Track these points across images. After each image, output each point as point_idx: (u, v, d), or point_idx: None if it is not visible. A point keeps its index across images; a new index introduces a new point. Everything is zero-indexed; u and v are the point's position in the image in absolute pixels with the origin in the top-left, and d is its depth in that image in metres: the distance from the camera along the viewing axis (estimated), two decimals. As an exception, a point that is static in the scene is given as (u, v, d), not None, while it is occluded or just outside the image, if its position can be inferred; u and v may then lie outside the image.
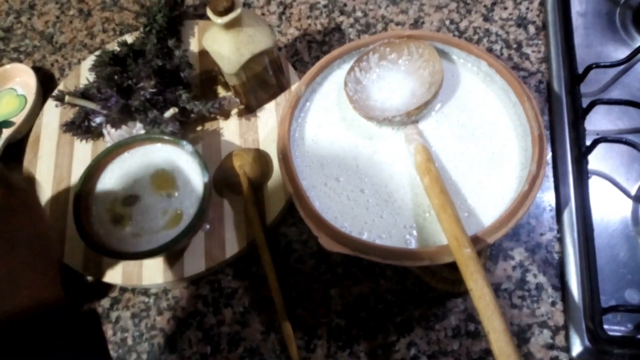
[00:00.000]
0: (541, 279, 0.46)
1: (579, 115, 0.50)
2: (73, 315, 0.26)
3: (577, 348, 0.42)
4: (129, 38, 0.60)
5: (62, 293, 0.28)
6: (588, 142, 0.48)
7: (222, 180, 0.51)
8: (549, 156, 0.51)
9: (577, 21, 0.56)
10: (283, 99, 0.56)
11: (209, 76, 0.58)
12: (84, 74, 0.60)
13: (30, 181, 0.30)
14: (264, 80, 0.53)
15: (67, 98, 0.52)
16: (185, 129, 0.55)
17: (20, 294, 0.25)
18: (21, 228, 0.28)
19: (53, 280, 0.28)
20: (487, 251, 0.47)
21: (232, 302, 0.48)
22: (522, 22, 0.59)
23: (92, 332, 0.27)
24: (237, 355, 0.46)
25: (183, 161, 0.48)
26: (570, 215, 0.47)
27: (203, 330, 0.48)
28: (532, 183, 0.40)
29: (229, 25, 0.46)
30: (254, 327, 0.47)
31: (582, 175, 0.48)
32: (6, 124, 0.59)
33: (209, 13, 0.45)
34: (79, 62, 0.65)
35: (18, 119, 0.59)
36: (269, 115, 0.55)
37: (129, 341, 0.48)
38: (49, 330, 0.24)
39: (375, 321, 0.46)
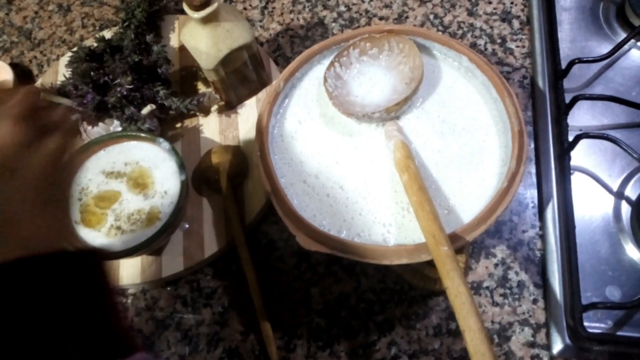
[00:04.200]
0: (523, 276, 0.46)
1: (561, 110, 0.49)
2: (66, 258, 0.24)
3: (557, 346, 0.42)
4: (107, 34, 0.58)
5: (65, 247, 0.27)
6: (571, 138, 0.48)
7: (201, 178, 0.50)
8: (531, 152, 0.50)
9: (561, 16, 0.56)
10: (264, 95, 0.55)
11: (189, 72, 0.57)
12: (62, 70, 0.59)
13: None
14: (244, 76, 0.52)
15: (42, 95, 0.51)
16: (164, 126, 0.54)
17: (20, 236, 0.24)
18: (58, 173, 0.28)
19: (60, 232, 0.27)
20: (469, 249, 0.47)
21: (211, 302, 0.48)
22: (506, 17, 0.58)
23: (89, 274, 0.25)
24: (215, 356, 0.45)
25: (160, 159, 0.47)
26: (552, 212, 0.47)
27: (182, 331, 0.47)
28: (512, 180, 0.39)
29: (206, 20, 0.45)
30: (233, 327, 0.46)
31: (564, 171, 0.47)
32: (-18, 121, 0.58)
33: (185, 7, 0.44)
34: (57, 58, 0.64)
35: (-6, 117, 0.58)
36: (250, 112, 0.54)
37: (107, 342, 0.47)
38: (39, 279, 0.23)
39: (356, 320, 0.45)
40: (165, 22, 0.61)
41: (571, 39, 0.55)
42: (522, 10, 0.58)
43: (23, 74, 0.64)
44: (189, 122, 0.54)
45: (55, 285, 0.23)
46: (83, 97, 0.50)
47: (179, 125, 0.54)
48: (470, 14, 0.59)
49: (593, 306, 0.41)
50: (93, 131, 0.51)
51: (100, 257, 0.26)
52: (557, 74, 0.51)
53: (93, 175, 0.47)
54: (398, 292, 0.46)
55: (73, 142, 0.29)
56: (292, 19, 0.61)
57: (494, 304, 0.45)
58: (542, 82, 0.53)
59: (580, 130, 0.49)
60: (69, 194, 0.29)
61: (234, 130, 0.54)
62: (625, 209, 0.46)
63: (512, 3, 0.59)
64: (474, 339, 0.31)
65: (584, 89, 0.52)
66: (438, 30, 0.58)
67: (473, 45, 0.57)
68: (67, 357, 0.22)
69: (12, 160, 0.25)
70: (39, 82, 0.60)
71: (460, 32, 0.58)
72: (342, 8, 0.62)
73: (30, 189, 0.25)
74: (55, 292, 0.23)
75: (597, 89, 0.52)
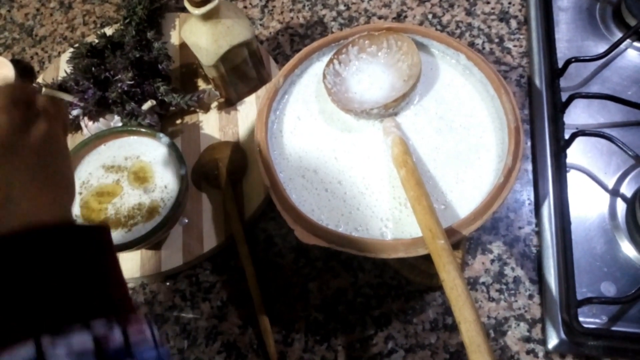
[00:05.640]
0: (519, 272, 0.46)
1: (558, 109, 0.50)
2: (74, 232, 0.26)
3: (553, 341, 0.42)
4: (109, 30, 0.59)
5: (71, 219, 0.29)
6: (567, 136, 0.48)
7: (200, 174, 0.51)
8: (528, 150, 0.51)
9: (558, 16, 0.56)
10: (264, 92, 0.55)
11: (189, 69, 0.58)
12: (63, 66, 0.60)
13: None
14: (243, 73, 0.52)
15: (44, 90, 0.52)
16: (165, 122, 0.54)
17: (20, 210, 0.26)
18: (52, 153, 0.30)
19: (62, 205, 0.29)
20: (466, 245, 0.47)
21: (210, 296, 0.48)
22: (504, 17, 0.59)
23: (96, 249, 0.27)
24: (214, 350, 0.46)
25: (160, 154, 0.48)
26: (548, 208, 0.47)
27: (180, 325, 0.47)
28: (508, 175, 0.40)
29: (206, 17, 0.45)
30: (232, 321, 0.47)
31: (560, 169, 0.48)
32: (-17, 116, 0.58)
33: (187, 4, 0.45)
34: (59, 55, 0.64)
35: (-5, 112, 0.58)
36: (250, 109, 0.55)
37: (106, 336, 0.48)
38: (45, 248, 0.24)
39: (353, 315, 0.46)
40: (166, 20, 0.61)
41: (568, 38, 0.56)
42: (520, 10, 0.59)
43: (24, 70, 0.64)
44: (189, 119, 0.55)
45: (60, 254, 0.25)
46: (84, 92, 0.50)
47: (179, 121, 0.55)
48: (469, 13, 0.59)
49: (588, 301, 0.41)
50: (94, 126, 0.51)
51: (106, 231, 0.28)
52: (554, 72, 0.52)
53: (94, 169, 0.47)
54: (395, 287, 0.46)
55: (64, 124, 0.31)
56: (292, 18, 0.62)
57: (490, 299, 0.45)
58: (539, 81, 0.53)
59: (577, 128, 0.50)
60: (68, 172, 0.31)
61: (234, 126, 0.54)
62: (621, 207, 0.47)
63: (509, 3, 0.59)
64: (469, 330, 0.32)
65: (580, 88, 0.53)
66: (436, 29, 0.59)
67: (471, 45, 0.57)
68: (70, 314, 0.23)
69: (5, 146, 0.27)
70: (40, 78, 0.60)
71: (458, 31, 0.59)
72: (342, 7, 0.62)
73: (28, 170, 0.27)
74: (60, 259, 0.24)
75: (594, 87, 0.53)
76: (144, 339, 0.24)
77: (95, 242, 0.27)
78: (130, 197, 0.46)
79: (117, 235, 0.45)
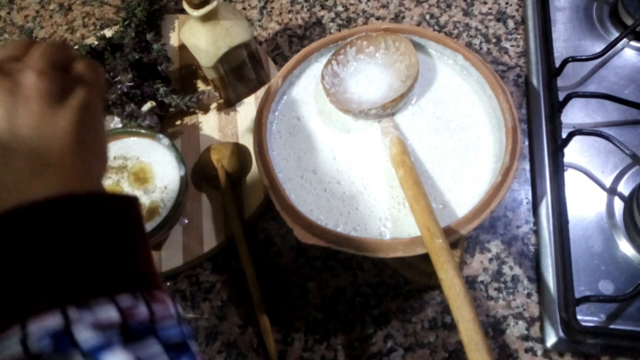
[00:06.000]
0: (517, 271, 0.46)
1: (555, 108, 0.50)
2: (104, 201, 0.25)
3: (551, 339, 0.43)
4: (108, 32, 0.59)
5: (102, 189, 0.28)
6: (564, 135, 0.48)
7: (200, 175, 0.51)
8: (525, 149, 0.51)
9: (555, 16, 0.57)
10: (263, 93, 0.56)
11: (188, 70, 0.58)
12: (63, 68, 0.60)
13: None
14: (242, 74, 0.53)
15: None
16: (164, 123, 0.54)
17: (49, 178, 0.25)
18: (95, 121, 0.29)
19: (95, 175, 0.28)
20: (464, 244, 0.48)
21: (210, 296, 0.48)
22: (501, 17, 0.59)
23: (126, 220, 0.26)
24: (214, 350, 0.46)
25: (160, 154, 0.48)
26: (546, 207, 0.48)
27: (181, 325, 0.47)
28: (506, 175, 0.40)
29: (205, 18, 0.46)
30: (232, 321, 0.47)
31: (558, 168, 0.48)
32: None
33: (185, 6, 0.45)
34: (58, 56, 0.64)
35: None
36: (249, 110, 0.55)
37: (106, 336, 0.48)
38: (75, 217, 0.24)
39: (353, 314, 0.46)
40: (165, 22, 0.62)
41: (565, 38, 0.56)
42: (517, 10, 0.59)
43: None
44: (188, 120, 0.55)
45: (89, 224, 0.24)
46: (84, 94, 0.50)
47: (178, 122, 0.55)
48: (466, 14, 0.60)
49: (586, 300, 0.41)
50: (94, 128, 0.51)
51: (136, 202, 0.27)
52: (551, 72, 0.52)
53: (94, 170, 0.48)
54: (394, 286, 0.47)
55: (102, 92, 0.30)
56: (291, 19, 0.62)
57: (489, 297, 0.45)
58: (536, 81, 0.54)
59: (574, 127, 0.50)
60: (103, 142, 0.30)
61: (233, 127, 0.54)
62: (618, 205, 0.47)
63: (507, 3, 0.60)
64: (467, 329, 0.32)
65: (577, 87, 0.53)
66: (434, 30, 0.59)
67: (468, 45, 0.58)
68: (96, 287, 0.23)
69: (43, 113, 0.26)
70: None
71: (455, 31, 0.59)
72: (340, 8, 0.62)
73: (65, 138, 0.26)
74: (89, 230, 0.24)
75: (591, 87, 0.53)
76: (168, 316, 0.24)
77: (125, 213, 0.26)
78: (131, 198, 0.46)
79: (118, 236, 0.45)
